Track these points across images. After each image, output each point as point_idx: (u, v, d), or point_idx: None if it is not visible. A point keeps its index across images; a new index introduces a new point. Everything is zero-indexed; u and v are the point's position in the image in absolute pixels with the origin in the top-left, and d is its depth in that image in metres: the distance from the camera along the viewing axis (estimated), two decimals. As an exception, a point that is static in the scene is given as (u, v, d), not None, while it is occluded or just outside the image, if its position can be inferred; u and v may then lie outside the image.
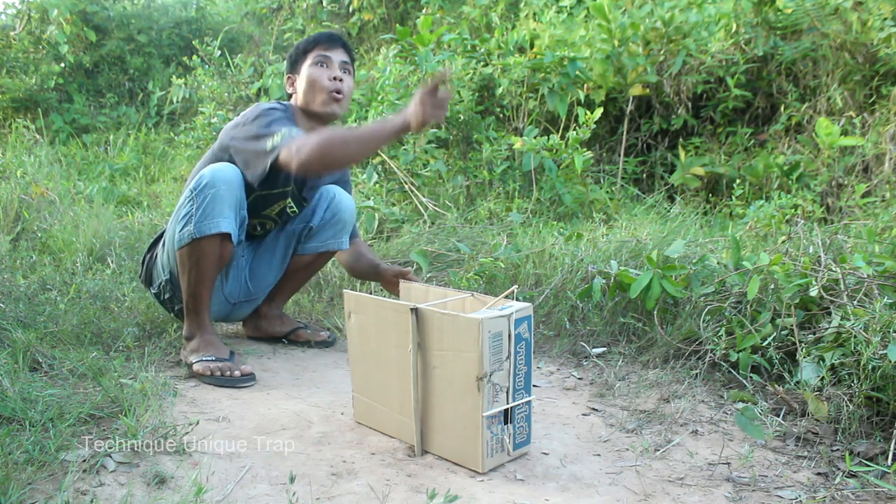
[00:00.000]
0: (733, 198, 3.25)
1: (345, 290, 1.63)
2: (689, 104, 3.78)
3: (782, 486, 1.41)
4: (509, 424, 1.44)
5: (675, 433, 1.63)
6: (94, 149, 5.10)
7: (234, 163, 1.92)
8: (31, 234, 2.90)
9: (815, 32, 3.53)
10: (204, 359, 1.89)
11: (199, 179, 1.88)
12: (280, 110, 1.94)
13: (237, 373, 1.87)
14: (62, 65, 5.64)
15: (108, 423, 1.53)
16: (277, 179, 2.02)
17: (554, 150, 3.28)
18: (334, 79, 2.00)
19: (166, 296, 2.09)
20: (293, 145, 1.76)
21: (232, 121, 2.01)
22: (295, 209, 2.17)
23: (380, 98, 3.75)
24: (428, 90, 1.64)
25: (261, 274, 2.21)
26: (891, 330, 1.59)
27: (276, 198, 2.09)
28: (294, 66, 2.08)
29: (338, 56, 2.03)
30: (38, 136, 4.58)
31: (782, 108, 3.61)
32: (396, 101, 3.58)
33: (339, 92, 2.00)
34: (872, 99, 3.40)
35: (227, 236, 1.90)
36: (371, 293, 2.06)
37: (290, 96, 2.11)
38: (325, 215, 2.18)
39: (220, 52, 4.51)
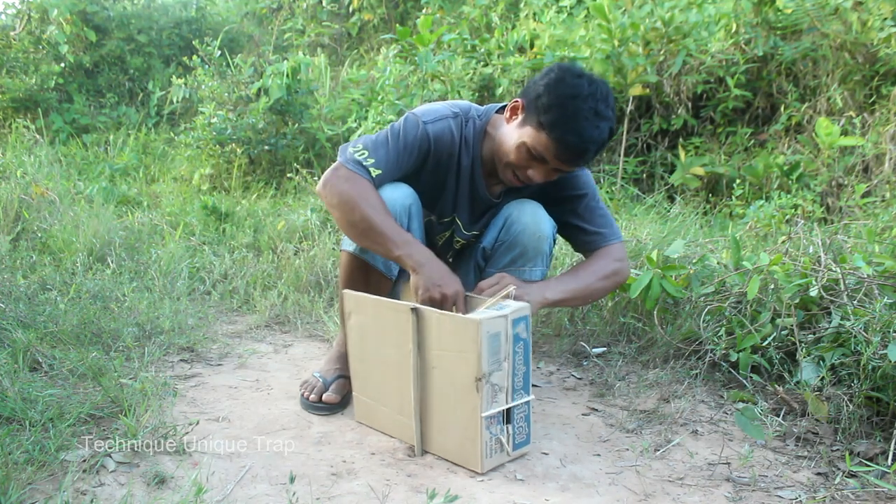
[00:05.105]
0: (733, 198, 3.25)
1: (345, 290, 1.62)
2: (689, 104, 3.78)
3: (782, 486, 1.41)
4: (509, 424, 1.44)
5: (675, 433, 1.63)
6: (94, 149, 5.10)
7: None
8: (31, 234, 2.90)
9: (815, 32, 3.53)
10: (315, 374, 1.82)
11: None
12: (417, 128, 1.61)
13: (313, 396, 1.75)
14: (62, 65, 5.64)
15: (108, 423, 1.53)
16: (433, 206, 1.75)
17: (554, 150, 3.27)
18: (525, 175, 1.60)
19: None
20: (341, 171, 1.56)
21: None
22: (461, 241, 1.84)
23: (380, 98, 3.75)
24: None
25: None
26: (891, 330, 1.59)
27: (439, 228, 1.82)
28: (529, 112, 1.57)
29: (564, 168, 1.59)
30: (38, 136, 4.57)
31: (782, 108, 3.61)
32: (396, 101, 3.57)
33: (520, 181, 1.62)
34: (872, 99, 3.40)
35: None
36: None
37: (502, 108, 1.70)
38: (500, 236, 1.72)
39: (220, 52, 4.51)
